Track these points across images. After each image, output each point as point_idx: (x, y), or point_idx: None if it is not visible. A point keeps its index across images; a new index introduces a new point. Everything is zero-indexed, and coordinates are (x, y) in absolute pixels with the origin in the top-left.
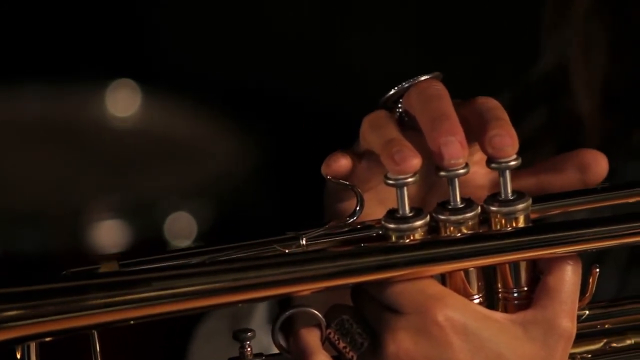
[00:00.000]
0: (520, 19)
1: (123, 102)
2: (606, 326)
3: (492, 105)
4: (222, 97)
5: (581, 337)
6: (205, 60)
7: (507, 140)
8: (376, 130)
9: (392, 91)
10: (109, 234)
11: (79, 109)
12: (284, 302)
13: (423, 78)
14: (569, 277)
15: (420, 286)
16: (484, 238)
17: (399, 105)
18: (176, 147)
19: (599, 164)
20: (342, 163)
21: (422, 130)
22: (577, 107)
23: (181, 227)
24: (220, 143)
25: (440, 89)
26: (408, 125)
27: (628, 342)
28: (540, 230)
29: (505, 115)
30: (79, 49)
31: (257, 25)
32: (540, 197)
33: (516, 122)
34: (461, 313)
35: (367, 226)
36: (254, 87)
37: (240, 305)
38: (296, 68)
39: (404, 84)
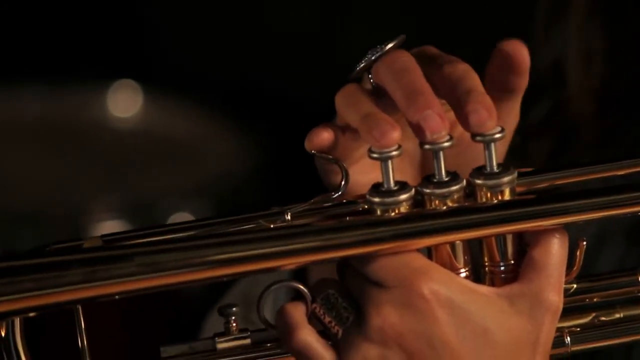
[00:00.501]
0: (518, 17)
1: (124, 102)
2: (595, 300)
3: (461, 72)
4: (222, 97)
5: (570, 311)
6: (205, 61)
7: (483, 114)
8: (351, 105)
9: (360, 65)
10: None
11: (80, 109)
12: (300, 276)
13: (388, 47)
14: (555, 250)
15: (405, 260)
16: (470, 211)
17: (370, 76)
18: (177, 148)
19: (517, 50)
20: (324, 136)
21: (399, 107)
22: (574, 106)
23: None
24: (221, 143)
25: (407, 60)
26: (383, 93)
27: (617, 315)
28: (526, 202)
29: (476, 82)
30: (80, 50)
31: (257, 25)
32: (527, 172)
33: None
34: (447, 287)
35: (352, 201)
36: (254, 87)
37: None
38: (296, 68)
39: (369, 55)
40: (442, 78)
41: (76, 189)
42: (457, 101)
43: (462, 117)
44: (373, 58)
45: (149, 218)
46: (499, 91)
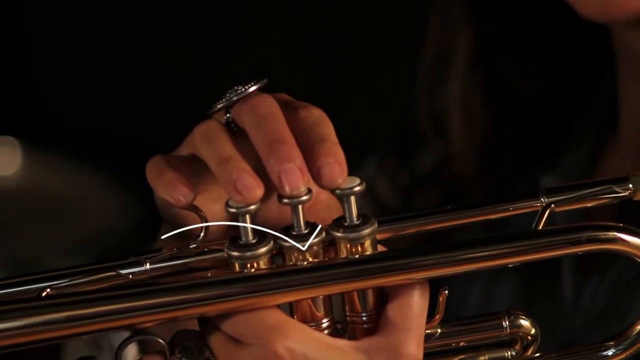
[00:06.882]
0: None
1: (4, 160)
2: (461, 344)
3: (315, 118)
4: (104, 153)
5: (434, 355)
6: (85, 117)
7: (335, 170)
8: (211, 143)
9: (219, 104)
10: None
11: None
12: None
13: (251, 89)
14: (414, 302)
15: (261, 317)
16: (329, 267)
17: (228, 115)
18: (58, 205)
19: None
20: (193, 194)
21: (258, 153)
22: (457, 162)
23: None
24: (103, 199)
25: (271, 105)
26: (239, 132)
27: (482, 358)
28: (384, 257)
29: (329, 130)
30: None
31: (135, 83)
32: (389, 219)
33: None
34: (302, 343)
35: (212, 250)
36: (134, 142)
37: None
38: (176, 125)
39: (229, 94)
40: (298, 121)
41: None
42: (310, 150)
43: (315, 169)
44: (235, 98)
45: None
46: None
